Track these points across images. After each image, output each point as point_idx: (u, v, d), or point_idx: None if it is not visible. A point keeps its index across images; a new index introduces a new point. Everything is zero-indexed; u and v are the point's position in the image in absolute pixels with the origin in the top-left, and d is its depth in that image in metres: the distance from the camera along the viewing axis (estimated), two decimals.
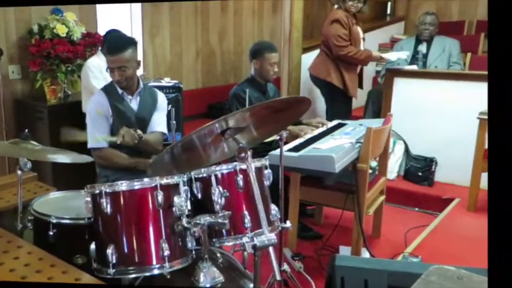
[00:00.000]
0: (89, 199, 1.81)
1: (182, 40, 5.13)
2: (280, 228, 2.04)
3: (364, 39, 3.96)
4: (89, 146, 2.58)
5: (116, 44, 2.55)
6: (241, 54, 5.72)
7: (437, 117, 3.91)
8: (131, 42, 2.56)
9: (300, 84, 4.41)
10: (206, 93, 5.20)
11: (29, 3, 3.16)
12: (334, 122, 3.28)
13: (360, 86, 4.08)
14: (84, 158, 2.19)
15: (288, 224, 2.07)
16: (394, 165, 3.98)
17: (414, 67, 4.17)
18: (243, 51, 5.70)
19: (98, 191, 1.78)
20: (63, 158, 2.11)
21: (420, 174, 3.86)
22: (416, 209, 3.64)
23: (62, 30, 3.54)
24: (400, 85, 4.00)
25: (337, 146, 2.59)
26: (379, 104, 4.19)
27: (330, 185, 2.80)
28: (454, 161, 3.79)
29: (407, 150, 4.06)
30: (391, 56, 3.88)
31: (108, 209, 1.73)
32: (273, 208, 2.07)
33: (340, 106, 3.91)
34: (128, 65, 2.50)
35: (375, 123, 3.03)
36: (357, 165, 2.64)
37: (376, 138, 2.73)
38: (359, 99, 4.14)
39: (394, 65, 4.19)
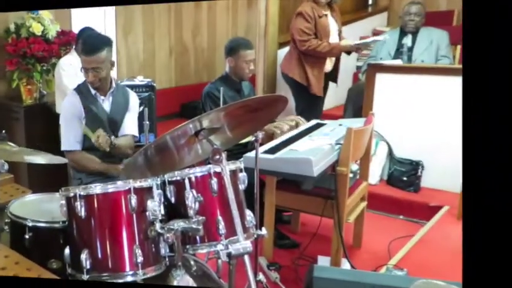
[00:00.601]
0: (63, 202, 2.01)
1: (155, 37, 5.40)
2: (255, 236, 2.19)
3: (340, 31, 4.08)
4: (62, 148, 2.80)
5: (92, 44, 2.76)
6: (214, 50, 5.96)
7: (424, 116, 3.91)
8: (107, 42, 2.78)
9: (275, 82, 4.55)
10: (179, 92, 5.44)
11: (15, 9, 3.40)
12: (313, 122, 3.41)
13: (334, 80, 4.22)
14: (60, 159, 2.37)
15: (264, 231, 2.22)
16: (377, 168, 4.01)
17: (398, 61, 4.22)
18: (216, 48, 5.94)
19: (72, 194, 1.98)
20: (39, 159, 2.28)
21: (405, 179, 3.90)
22: (401, 216, 3.69)
23: (37, 29, 3.84)
24: (383, 81, 4.05)
25: (316, 147, 2.72)
26: (360, 102, 4.25)
27: (308, 190, 2.90)
28: (442, 164, 3.82)
29: (390, 152, 4.13)
30: (367, 41, 3.97)
31: (83, 213, 1.94)
32: (248, 214, 2.24)
33: (305, 104, 4.06)
34: (102, 66, 2.73)
35: (356, 123, 3.13)
36: (337, 168, 2.72)
37: (357, 140, 2.81)
38: (339, 97, 4.28)
39: (376, 59, 4.32)
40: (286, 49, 4.40)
